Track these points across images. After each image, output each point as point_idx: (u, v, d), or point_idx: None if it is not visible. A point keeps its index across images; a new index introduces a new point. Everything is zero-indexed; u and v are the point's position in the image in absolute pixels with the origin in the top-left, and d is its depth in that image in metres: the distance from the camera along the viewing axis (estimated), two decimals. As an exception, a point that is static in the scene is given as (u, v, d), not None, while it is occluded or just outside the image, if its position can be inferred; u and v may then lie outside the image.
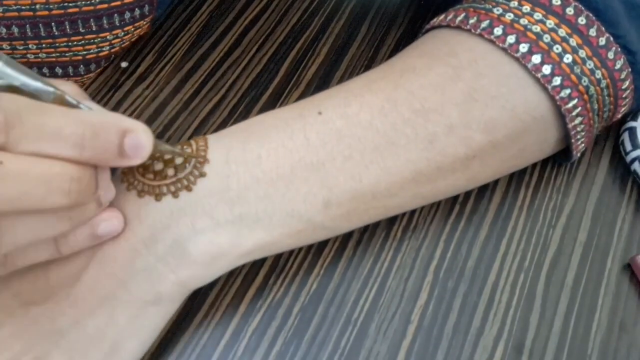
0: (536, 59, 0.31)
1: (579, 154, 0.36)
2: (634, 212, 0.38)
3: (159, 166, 0.30)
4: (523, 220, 0.37)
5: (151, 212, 0.29)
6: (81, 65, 0.41)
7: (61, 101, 0.25)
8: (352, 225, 0.33)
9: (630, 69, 0.33)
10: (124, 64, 0.42)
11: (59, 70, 0.41)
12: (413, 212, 0.37)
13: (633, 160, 0.39)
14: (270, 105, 0.41)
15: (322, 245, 0.35)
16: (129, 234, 0.29)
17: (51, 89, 0.24)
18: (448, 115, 0.31)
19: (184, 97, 0.41)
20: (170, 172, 0.29)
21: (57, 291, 0.28)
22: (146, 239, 0.29)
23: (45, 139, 0.23)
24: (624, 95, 0.34)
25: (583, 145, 0.36)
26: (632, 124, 0.40)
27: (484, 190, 0.38)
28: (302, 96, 0.42)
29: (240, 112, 0.41)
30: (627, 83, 0.33)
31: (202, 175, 0.29)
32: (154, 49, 0.43)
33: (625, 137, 0.40)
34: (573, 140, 0.34)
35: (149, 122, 0.39)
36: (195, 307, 0.33)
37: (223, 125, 0.40)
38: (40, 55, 0.40)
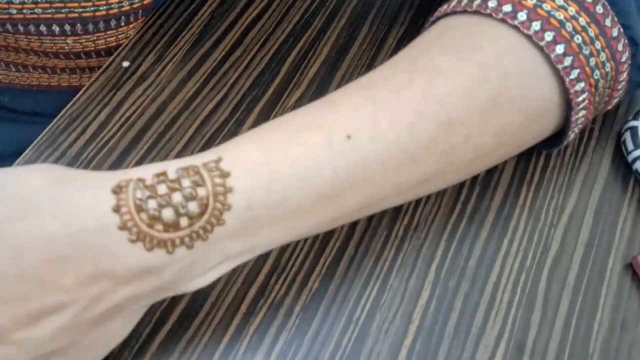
0: (559, 49, 0.30)
1: (565, 143, 0.36)
2: (635, 212, 0.38)
3: (168, 214, 0.25)
4: (525, 219, 0.37)
5: (160, 264, 0.26)
6: (78, 24, 0.41)
7: None
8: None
9: (630, 61, 0.33)
10: (125, 64, 0.42)
11: (55, 28, 0.41)
12: (415, 211, 0.37)
13: (635, 159, 0.39)
14: (272, 104, 0.41)
15: (323, 244, 0.35)
16: (132, 287, 0.26)
17: None
18: (470, 125, 0.30)
19: (185, 97, 0.41)
20: (184, 222, 0.25)
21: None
22: (154, 287, 0.27)
23: None
24: (619, 87, 0.34)
25: (572, 136, 0.35)
26: (634, 123, 0.40)
27: (486, 190, 0.38)
28: (303, 96, 0.42)
29: (242, 111, 0.41)
30: (624, 75, 0.33)
31: (221, 224, 0.26)
32: (155, 49, 0.43)
33: (627, 136, 0.40)
34: (570, 132, 0.34)
35: (150, 121, 0.39)
36: (197, 306, 0.33)
37: (224, 124, 0.40)
38: (36, 10, 0.40)
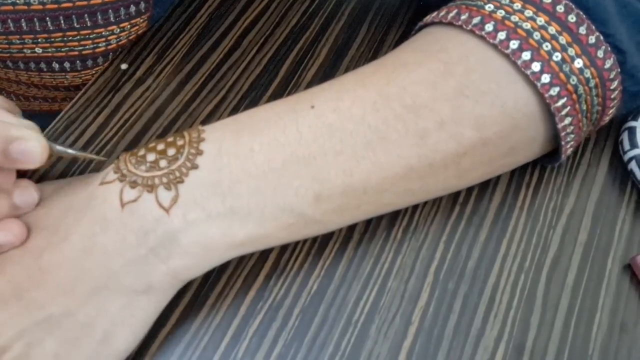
0: (526, 55, 0.31)
1: (565, 157, 0.36)
2: (634, 212, 0.38)
3: (151, 157, 0.30)
4: (523, 220, 0.37)
5: (142, 204, 0.29)
6: (77, 61, 0.42)
7: None
8: (345, 220, 0.33)
9: (619, 69, 0.33)
10: (123, 66, 0.42)
11: (55, 65, 0.42)
12: (413, 213, 0.37)
13: (630, 159, 0.39)
14: (270, 106, 0.41)
15: (322, 246, 0.35)
16: (119, 225, 0.29)
17: None
18: (439, 111, 0.31)
19: (183, 99, 0.41)
20: (163, 163, 0.29)
21: (48, 278, 0.28)
22: (137, 231, 0.29)
23: None
24: (612, 96, 0.34)
25: (571, 149, 0.35)
26: (632, 123, 0.40)
27: (484, 191, 0.38)
28: (301, 97, 0.42)
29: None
30: (615, 83, 0.33)
31: (195, 167, 0.29)
32: (153, 51, 0.43)
33: (625, 136, 0.40)
34: (563, 143, 0.34)
35: (149, 123, 0.39)
36: (196, 308, 0.33)
37: (223, 126, 0.40)
38: (36, 50, 0.40)
